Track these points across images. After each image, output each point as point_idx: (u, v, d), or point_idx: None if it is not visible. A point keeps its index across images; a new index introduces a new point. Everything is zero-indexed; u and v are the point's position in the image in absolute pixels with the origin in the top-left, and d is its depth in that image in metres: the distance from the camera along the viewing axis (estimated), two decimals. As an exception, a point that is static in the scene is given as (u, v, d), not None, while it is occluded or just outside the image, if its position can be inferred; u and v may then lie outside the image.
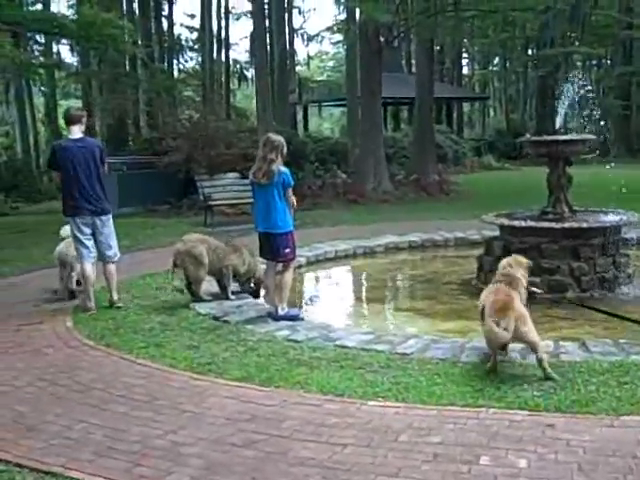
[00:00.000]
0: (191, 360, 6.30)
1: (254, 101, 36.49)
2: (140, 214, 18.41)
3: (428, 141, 26.51)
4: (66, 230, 9.39)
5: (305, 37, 46.46)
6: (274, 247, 7.75)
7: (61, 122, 36.79)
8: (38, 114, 37.53)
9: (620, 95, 43.85)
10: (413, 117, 30.59)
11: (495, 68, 58.57)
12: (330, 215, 17.84)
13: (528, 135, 11.66)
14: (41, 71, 25.44)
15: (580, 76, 11.20)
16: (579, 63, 49.24)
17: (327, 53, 69.28)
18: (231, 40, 42.67)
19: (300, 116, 40.07)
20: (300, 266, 10.66)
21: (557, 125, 10.24)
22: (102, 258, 8.60)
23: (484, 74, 58.06)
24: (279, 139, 7.76)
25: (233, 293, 8.77)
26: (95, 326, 7.66)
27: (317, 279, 11.62)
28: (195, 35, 42.58)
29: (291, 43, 37.05)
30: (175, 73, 38.97)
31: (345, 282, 12.02)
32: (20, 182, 25.41)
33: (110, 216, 8.60)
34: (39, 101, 39.86)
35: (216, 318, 7.79)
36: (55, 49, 35.33)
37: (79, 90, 36.95)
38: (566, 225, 9.36)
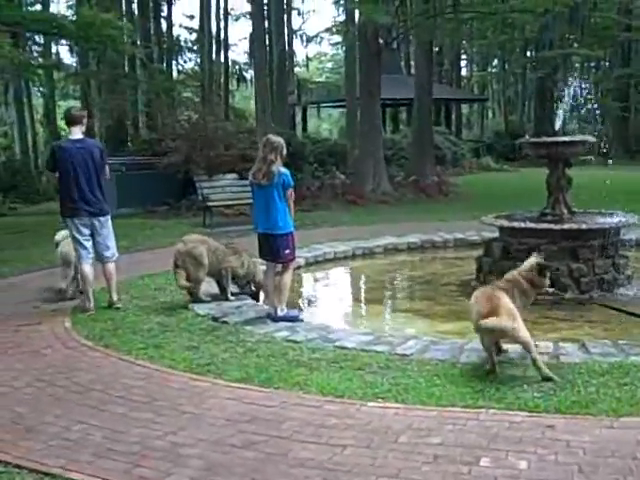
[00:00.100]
0: (190, 361, 6.30)
1: (253, 102, 36.53)
2: (139, 215, 18.39)
3: (427, 142, 26.52)
4: (61, 235, 9.44)
5: (304, 38, 46.52)
6: (274, 248, 7.74)
7: (60, 123, 36.87)
8: (37, 115, 37.52)
9: (618, 97, 43.86)
10: (412, 118, 30.58)
11: (494, 70, 58.61)
12: (329, 216, 17.84)
13: (527, 136, 11.67)
14: (40, 72, 25.43)
15: (579, 78, 11.21)
16: (577, 65, 49.31)
17: (326, 54, 69.35)
18: (230, 41, 42.70)
19: (299, 117, 40.09)
20: (299, 267, 10.65)
21: (557, 127, 10.24)
22: (100, 259, 8.59)
23: (483, 76, 58.14)
24: (279, 140, 7.76)
25: (232, 294, 8.76)
26: (94, 327, 7.65)
27: (316, 280, 11.62)
28: (194, 36, 42.56)
29: (290, 44, 37.02)
30: (174, 74, 38.93)
31: (344, 283, 12.03)
32: (19, 183, 25.36)
33: (109, 217, 8.58)
34: (38, 102, 39.84)
35: (215, 319, 7.78)
36: (54, 50, 35.40)
37: (78, 91, 36.93)
38: (565, 226, 9.37)
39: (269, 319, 7.67)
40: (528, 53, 50.18)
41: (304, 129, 39.13)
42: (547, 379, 5.37)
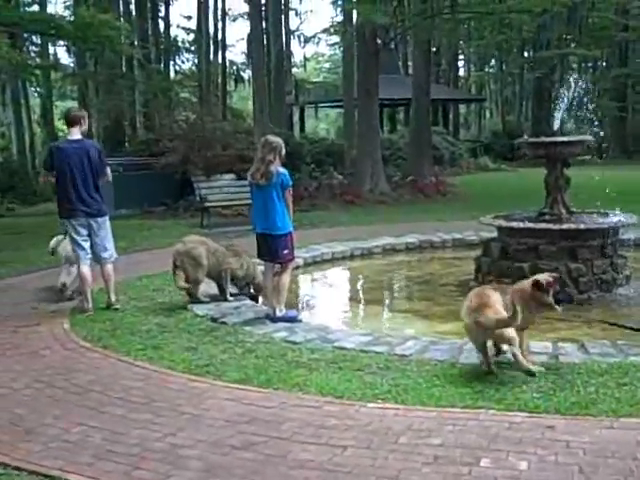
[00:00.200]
0: (189, 362, 6.29)
1: (250, 102, 36.48)
2: (137, 216, 18.39)
3: (425, 142, 26.54)
4: (55, 240, 9.52)
5: (302, 39, 46.52)
6: (272, 248, 7.74)
7: (57, 123, 36.90)
8: (34, 115, 37.44)
9: (616, 97, 43.91)
10: (410, 118, 30.60)
11: (491, 70, 58.59)
12: (327, 216, 17.84)
13: (526, 136, 11.67)
14: (37, 72, 25.35)
15: (577, 78, 11.22)
16: (575, 65, 49.33)
17: (323, 55, 69.38)
18: (227, 42, 42.69)
19: (296, 117, 40.08)
20: (297, 267, 10.63)
21: (555, 127, 10.24)
22: (98, 260, 8.58)
23: (480, 76, 58.12)
24: (277, 140, 7.77)
25: (231, 295, 8.76)
26: (92, 328, 7.64)
27: (314, 280, 11.61)
28: (192, 36, 42.54)
29: (287, 45, 37.03)
30: (171, 74, 38.89)
31: (342, 283, 12.01)
32: (16, 183, 25.31)
33: (106, 218, 8.55)
34: (35, 102, 39.78)
35: (214, 319, 7.77)
36: (52, 50, 35.35)
37: (75, 91, 36.90)
38: (564, 226, 9.36)
39: (268, 320, 7.67)
40: (525, 53, 50.20)
41: (301, 129, 39.14)
42: (528, 373, 5.39)
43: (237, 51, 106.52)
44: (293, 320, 7.64)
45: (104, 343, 7.04)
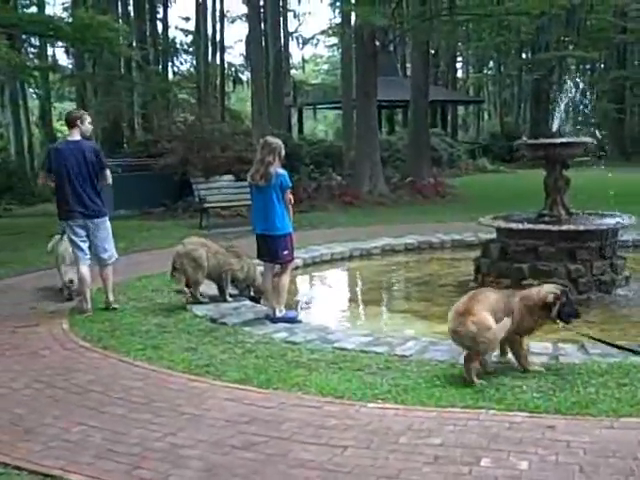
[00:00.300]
0: (189, 362, 6.29)
1: (248, 104, 36.50)
2: (136, 216, 18.38)
3: (423, 144, 26.54)
4: (52, 244, 9.52)
5: (300, 40, 46.52)
6: (272, 249, 7.74)
7: (56, 124, 36.87)
8: (32, 117, 37.39)
9: (614, 99, 43.98)
10: (408, 120, 30.60)
11: (490, 72, 58.62)
12: (326, 217, 17.84)
13: (525, 138, 11.68)
14: (36, 73, 25.34)
15: (576, 80, 11.23)
16: (573, 67, 49.36)
17: (322, 56, 69.37)
18: (226, 43, 42.70)
19: (295, 119, 40.10)
20: (297, 268, 10.63)
21: (554, 128, 10.25)
22: (98, 261, 8.58)
23: (479, 77, 58.11)
24: (277, 142, 7.78)
25: (231, 296, 8.75)
26: (92, 328, 7.64)
27: (314, 281, 11.61)
28: (190, 38, 42.54)
29: (286, 46, 37.07)
30: (170, 76, 38.90)
31: (342, 284, 12.02)
32: (14, 184, 25.29)
33: (105, 219, 8.53)
34: (33, 104, 39.75)
35: (213, 320, 7.77)
36: (50, 52, 35.35)
37: (73, 93, 36.87)
38: (563, 228, 9.37)
39: (267, 320, 7.67)
40: (524, 55, 50.22)
41: (300, 131, 39.16)
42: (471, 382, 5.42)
43: (235, 53, 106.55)
44: (293, 321, 7.64)
45: (104, 343, 7.04)
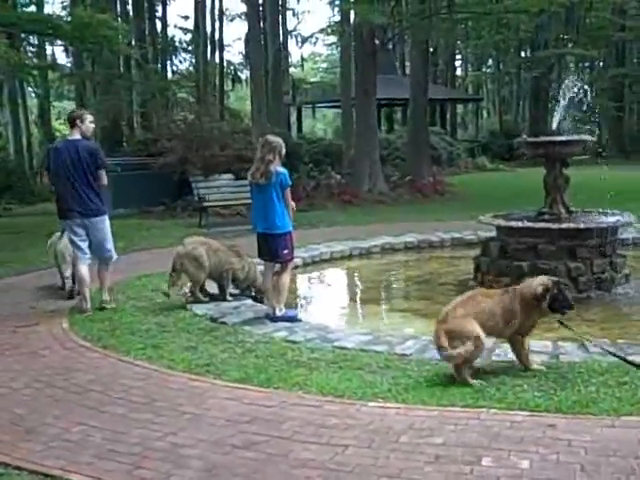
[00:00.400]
0: (189, 361, 6.28)
1: (247, 102, 36.47)
2: (135, 215, 18.38)
3: (422, 142, 26.55)
4: (52, 240, 9.58)
5: (299, 39, 46.44)
6: (272, 248, 7.74)
7: (55, 123, 36.85)
8: (31, 116, 37.39)
9: (613, 97, 43.95)
10: (407, 118, 30.59)
11: (488, 70, 58.64)
12: (325, 216, 17.83)
13: (525, 136, 11.67)
14: (35, 72, 25.34)
15: (575, 78, 11.22)
16: (572, 65, 49.36)
17: (320, 55, 69.37)
18: (225, 42, 42.66)
19: (294, 117, 40.07)
20: (296, 267, 10.62)
21: (554, 126, 10.25)
22: (97, 259, 8.57)
23: (477, 76, 58.14)
24: (277, 140, 7.79)
25: (231, 295, 8.75)
26: (91, 327, 7.63)
27: (313, 280, 11.61)
28: (189, 36, 42.53)
29: (285, 45, 37.04)
30: (169, 74, 38.89)
31: (341, 283, 12.02)
32: (13, 183, 25.31)
33: (103, 218, 8.50)
34: (32, 102, 39.73)
35: (213, 319, 7.77)
36: (49, 50, 35.31)
37: (73, 92, 36.86)
38: (563, 226, 9.37)
39: (267, 319, 7.66)
40: (523, 53, 50.25)
41: (299, 129, 39.15)
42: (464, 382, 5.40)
43: (234, 51, 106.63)
44: (293, 320, 7.64)
45: (103, 343, 7.03)
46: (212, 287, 8.90)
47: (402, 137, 30.72)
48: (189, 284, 8.70)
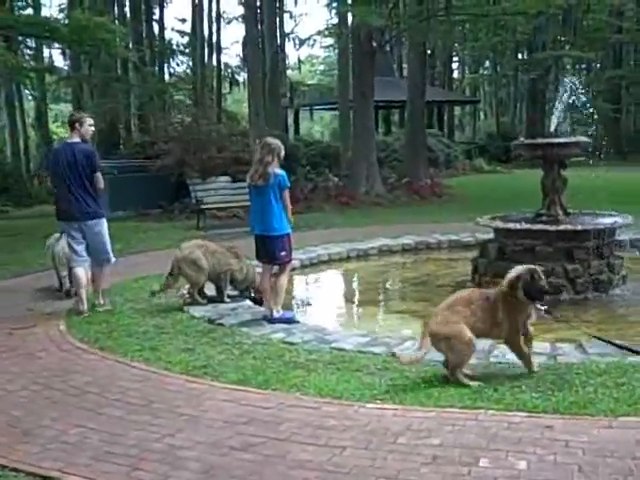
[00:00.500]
0: (186, 363, 6.27)
1: (245, 105, 36.43)
2: (132, 218, 18.37)
3: (420, 144, 26.54)
4: (54, 239, 9.54)
5: (296, 41, 46.41)
6: (270, 250, 7.75)
7: (52, 126, 36.81)
8: (28, 118, 37.38)
9: (610, 98, 44.00)
10: (405, 121, 30.60)
11: (486, 72, 58.65)
12: (323, 218, 17.81)
13: (522, 138, 11.68)
14: (32, 75, 25.34)
15: (573, 80, 11.23)
16: (569, 67, 49.43)
17: (318, 57, 69.35)
18: (222, 44, 42.52)
19: (291, 120, 40.04)
20: (294, 269, 10.62)
21: (552, 127, 10.26)
22: (93, 262, 8.57)
23: (475, 78, 58.15)
24: (276, 142, 7.81)
25: (229, 297, 8.74)
26: (89, 329, 7.62)
27: (311, 282, 11.60)
28: (186, 39, 42.46)
29: (282, 47, 37.00)
30: (166, 77, 38.85)
31: (339, 285, 12.01)
32: (10, 185, 25.28)
33: (100, 221, 8.50)
34: (29, 105, 39.71)
35: (211, 321, 7.77)
36: (46, 53, 35.30)
37: (69, 94, 36.83)
38: (560, 227, 9.38)
39: (265, 321, 7.66)
40: (520, 55, 50.27)
41: (296, 131, 39.12)
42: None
43: (232, 54, 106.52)
44: (290, 321, 7.64)
45: (101, 345, 7.02)
46: (210, 289, 8.89)
47: (399, 139, 30.72)
48: (187, 286, 8.70)
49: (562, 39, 43.94)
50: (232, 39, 70.01)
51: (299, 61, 51.00)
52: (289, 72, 44.01)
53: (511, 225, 9.75)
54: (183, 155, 19.49)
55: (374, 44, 22.80)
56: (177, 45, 43.46)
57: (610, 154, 39.19)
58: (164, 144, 20.31)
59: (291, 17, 46.20)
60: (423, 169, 25.93)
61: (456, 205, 20.52)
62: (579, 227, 9.44)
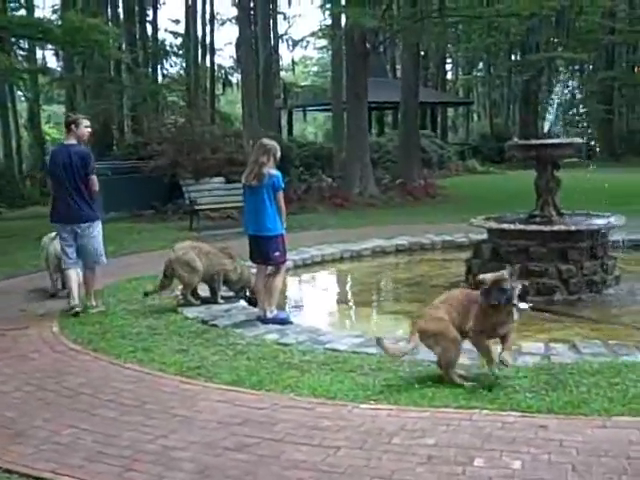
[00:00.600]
0: (180, 364, 6.26)
1: (238, 106, 36.43)
2: (125, 219, 18.33)
3: (413, 145, 26.57)
4: (44, 241, 9.52)
5: (290, 42, 46.41)
6: (264, 250, 7.74)
7: (44, 127, 36.72)
8: (21, 119, 37.28)
9: (602, 100, 44.13)
10: (398, 122, 30.63)
11: (479, 73, 58.72)
12: (316, 219, 17.81)
13: (516, 139, 11.70)
14: (25, 76, 25.27)
15: (566, 81, 11.28)
16: (562, 68, 49.51)
17: (311, 58, 69.37)
18: (216, 46, 42.55)
19: (284, 121, 40.04)
20: (287, 270, 10.60)
21: (546, 129, 10.28)
22: (84, 265, 8.54)
23: (468, 79, 58.21)
24: (272, 143, 7.83)
25: (223, 298, 8.72)
26: (82, 331, 7.60)
27: (305, 283, 11.59)
28: (180, 40, 42.43)
29: (276, 48, 37.00)
30: (159, 78, 38.82)
31: (333, 286, 11.99)
32: (3, 187, 25.24)
33: (93, 224, 8.47)
34: (22, 106, 39.61)
35: (204, 322, 7.75)
36: (39, 54, 35.21)
37: (63, 95, 36.76)
38: (554, 228, 9.40)
39: (259, 322, 7.65)
40: (513, 56, 50.35)
41: (290, 132, 39.14)
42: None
43: (225, 55, 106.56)
44: (284, 322, 7.63)
45: (94, 346, 7.00)
46: (204, 290, 8.88)
47: (393, 140, 30.75)
48: (180, 287, 8.69)
49: (555, 40, 44.08)
50: (226, 40, 70.08)
51: (293, 62, 50.95)
52: (283, 73, 44.04)
53: (505, 226, 9.76)
54: (176, 156, 19.45)
55: (368, 45, 22.83)
56: (170, 46, 43.45)
57: (603, 155, 39.35)
58: (157, 145, 20.27)
59: (285, 18, 46.33)
60: (417, 170, 25.96)
61: (450, 206, 20.53)
62: (573, 228, 9.46)
